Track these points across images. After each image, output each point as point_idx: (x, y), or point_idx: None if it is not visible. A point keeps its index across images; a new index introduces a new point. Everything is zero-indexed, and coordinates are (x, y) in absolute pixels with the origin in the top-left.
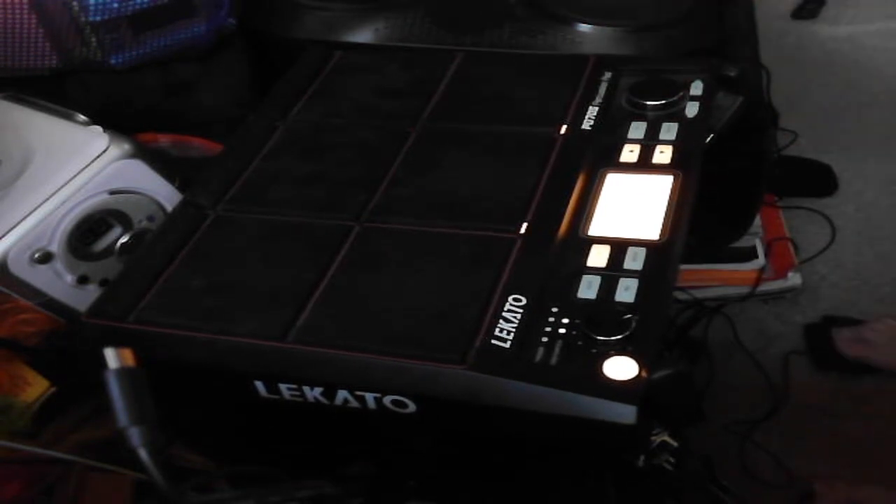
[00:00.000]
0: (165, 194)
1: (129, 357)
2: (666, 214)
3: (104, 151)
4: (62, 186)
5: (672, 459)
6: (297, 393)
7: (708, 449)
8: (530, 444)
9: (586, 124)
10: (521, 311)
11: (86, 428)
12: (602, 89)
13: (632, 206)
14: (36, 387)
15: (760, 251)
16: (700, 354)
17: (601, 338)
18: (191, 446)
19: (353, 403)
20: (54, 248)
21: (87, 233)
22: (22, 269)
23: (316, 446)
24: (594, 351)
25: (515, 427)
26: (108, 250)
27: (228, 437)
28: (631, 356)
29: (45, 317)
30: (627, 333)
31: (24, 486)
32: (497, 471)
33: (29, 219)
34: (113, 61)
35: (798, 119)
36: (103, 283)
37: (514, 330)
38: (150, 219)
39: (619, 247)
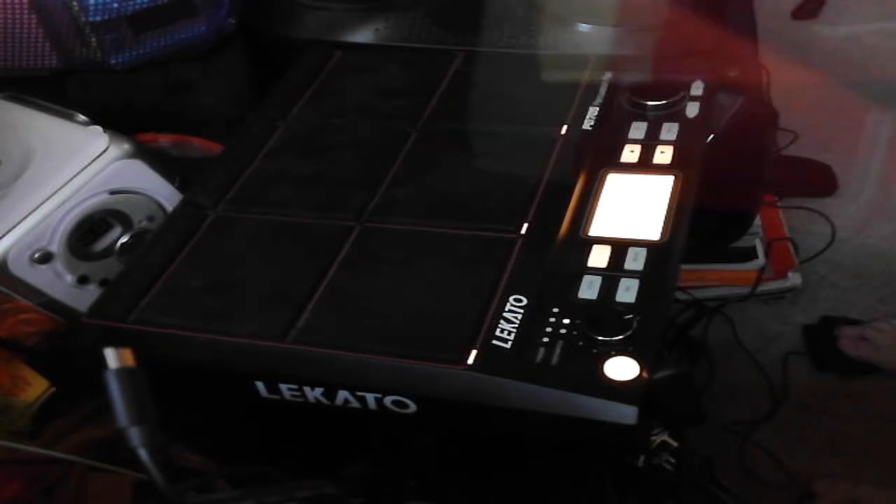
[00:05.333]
0: (165, 194)
1: (129, 357)
2: (666, 214)
3: (104, 151)
4: (62, 186)
5: (672, 459)
6: (298, 393)
7: (708, 449)
8: (531, 444)
9: (587, 124)
10: (521, 311)
11: (86, 428)
12: (602, 89)
13: (632, 206)
14: (36, 387)
15: (760, 251)
16: (700, 355)
17: (602, 338)
18: (191, 446)
19: (354, 404)
20: (54, 248)
21: (87, 233)
22: (22, 269)
23: (316, 446)
24: (595, 351)
25: (516, 427)
26: (108, 250)
27: (228, 437)
28: (632, 356)
29: (45, 317)
30: (628, 334)
31: (24, 486)
32: (497, 471)
33: (29, 219)
34: (113, 61)
35: (798, 119)
36: (103, 283)
37: (514, 330)
38: (150, 219)
39: (619, 247)
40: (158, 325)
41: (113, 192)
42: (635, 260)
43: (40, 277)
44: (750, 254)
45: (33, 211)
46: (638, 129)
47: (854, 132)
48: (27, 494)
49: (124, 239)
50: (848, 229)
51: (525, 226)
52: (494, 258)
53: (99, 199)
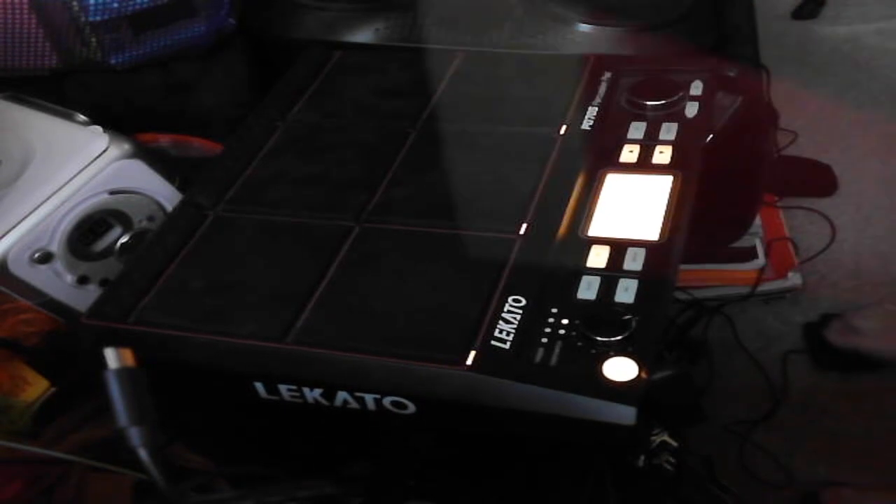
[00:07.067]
0: (165, 194)
1: (128, 357)
2: (665, 215)
3: (104, 151)
4: (62, 186)
5: (672, 459)
6: (297, 394)
7: (708, 449)
8: (530, 444)
9: (586, 124)
10: (520, 311)
11: (86, 428)
12: (602, 89)
13: (631, 206)
14: (36, 387)
15: (760, 251)
16: (700, 355)
17: (601, 338)
18: (191, 446)
19: (353, 404)
20: (54, 248)
21: (87, 233)
22: (22, 269)
23: (315, 446)
24: (594, 352)
25: (515, 428)
26: (108, 250)
27: (228, 438)
28: (631, 357)
29: (45, 317)
30: (627, 334)
31: (25, 486)
32: (497, 471)
33: (29, 219)
34: (113, 61)
35: (798, 119)
36: (103, 283)
37: (513, 331)
38: (150, 219)
39: (618, 247)
40: (158, 326)
41: (113, 192)
42: (634, 260)
43: (40, 277)
44: (750, 254)
45: (33, 211)
46: (637, 129)
47: (854, 132)
48: (27, 494)
49: (124, 239)
50: (848, 229)
51: (524, 226)
52: (493, 258)
53: (99, 199)
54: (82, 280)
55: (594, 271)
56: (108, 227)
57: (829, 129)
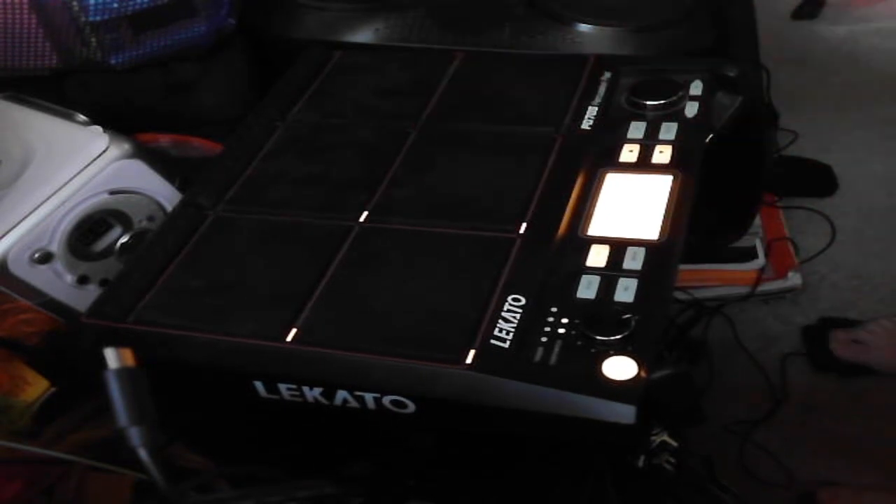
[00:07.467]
0: (165, 194)
1: (128, 357)
2: (665, 214)
3: (104, 151)
4: (62, 186)
5: (672, 459)
6: (297, 393)
7: (708, 449)
8: (530, 443)
9: (586, 124)
10: (520, 310)
11: (86, 428)
12: (602, 89)
13: (631, 205)
14: (36, 387)
15: (760, 251)
16: (700, 355)
17: (600, 338)
18: (191, 446)
19: (353, 404)
20: (54, 248)
21: (87, 233)
22: (22, 269)
23: (316, 446)
24: (593, 351)
25: (515, 427)
26: (108, 250)
27: (228, 437)
28: (630, 356)
29: (45, 317)
30: (627, 333)
31: (25, 486)
32: (497, 470)
33: (29, 219)
34: (113, 61)
35: (798, 119)
36: (103, 283)
37: (513, 330)
38: (150, 219)
39: (618, 247)
40: (158, 325)
41: (113, 192)
42: (634, 259)
43: (40, 277)
44: (750, 254)
45: (33, 211)
46: (637, 129)
47: (854, 132)
48: (27, 494)
49: (124, 239)
50: (848, 229)
51: (524, 225)
52: (493, 258)
53: (99, 199)
54: (82, 280)
55: (594, 270)
56: (108, 227)
57: (829, 129)
